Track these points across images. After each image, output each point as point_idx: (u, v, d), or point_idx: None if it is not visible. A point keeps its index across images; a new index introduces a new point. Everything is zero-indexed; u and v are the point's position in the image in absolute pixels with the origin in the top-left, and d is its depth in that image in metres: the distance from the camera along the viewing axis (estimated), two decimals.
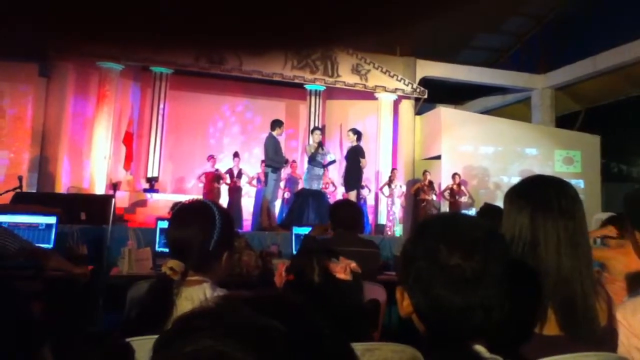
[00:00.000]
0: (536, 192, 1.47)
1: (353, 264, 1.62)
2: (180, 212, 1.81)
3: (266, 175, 8.54)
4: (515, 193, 1.50)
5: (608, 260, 3.00)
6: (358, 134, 9.17)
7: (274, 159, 8.36)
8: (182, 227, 1.74)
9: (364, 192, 11.50)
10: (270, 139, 8.42)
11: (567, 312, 1.33)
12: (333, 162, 9.74)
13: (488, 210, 3.53)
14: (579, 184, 13.05)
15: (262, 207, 8.77)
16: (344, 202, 4.48)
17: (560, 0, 13.79)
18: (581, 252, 1.39)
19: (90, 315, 4.52)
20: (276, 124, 8.52)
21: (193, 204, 1.86)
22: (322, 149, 8.85)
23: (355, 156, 9.02)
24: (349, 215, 3.62)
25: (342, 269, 1.58)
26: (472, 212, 10.76)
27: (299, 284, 1.56)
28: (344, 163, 10.65)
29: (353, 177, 9.15)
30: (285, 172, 10.06)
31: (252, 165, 12.38)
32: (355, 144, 9.09)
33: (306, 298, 1.50)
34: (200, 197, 9.29)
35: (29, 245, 3.26)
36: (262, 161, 10.59)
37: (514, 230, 1.43)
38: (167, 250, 1.81)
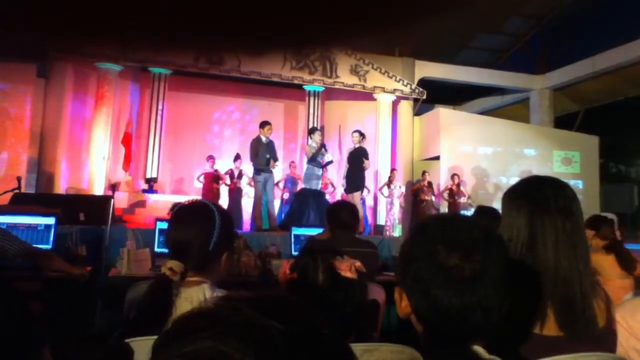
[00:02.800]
0: (534, 192, 1.47)
1: (358, 263, 1.62)
2: (180, 212, 1.81)
3: (254, 177, 8.64)
4: (513, 193, 1.51)
5: (596, 263, 3.02)
6: (362, 135, 9.19)
7: (255, 160, 8.43)
8: (182, 228, 1.74)
9: (363, 192, 11.50)
10: (253, 141, 8.50)
11: (566, 311, 1.33)
12: (330, 162, 9.75)
13: (483, 212, 3.54)
14: (577, 184, 13.06)
15: (254, 208, 8.79)
16: (341, 203, 4.49)
17: (559, 0, 13.79)
18: (579, 252, 1.39)
19: (89, 316, 4.52)
20: (261, 125, 8.60)
21: (193, 204, 1.86)
22: (325, 149, 8.87)
23: (358, 158, 9.02)
24: (346, 216, 3.63)
25: (348, 267, 1.58)
26: (471, 212, 10.78)
27: (303, 283, 1.56)
28: (343, 163, 10.66)
29: (356, 178, 9.15)
30: (284, 172, 10.05)
31: (251, 166, 12.37)
32: (359, 145, 9.10)
33: (311, 297, 1.50)
34: (200, 197, 9.30)
35: (27, 247, 3.26)
36: None
37: (512, 230, 1.43)
38: (166, 250, 1.81)
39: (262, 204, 8.61)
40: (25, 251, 3.22)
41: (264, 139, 8.49)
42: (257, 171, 8.47)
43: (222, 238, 1.73)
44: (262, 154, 8.41)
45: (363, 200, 11.48)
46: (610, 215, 11.18)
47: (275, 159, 8.64)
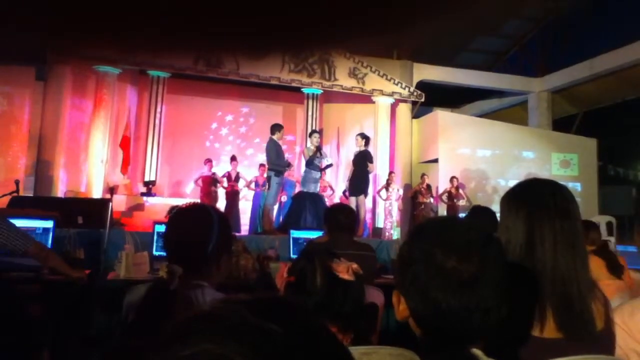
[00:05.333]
0: (532, 194, 1.48)
1: (355, 265, 1.63)
2: (178, 215, 1.81)
3: (269, 179, 8.53)
4: (512, 195, 1.51)
5: None
6: (366, 138, 9.18)
7: (277, 162, 8.36)
8: (180, 231, 1.74)
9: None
10: (271, 143, 8.42)
11: (565, 312, 1.33)
12: (330, 165, 9.73)
13: (477, 212, 3.55)
14: (575, 187, 13.07)
15: (264, 211, 8.76)
16: (339, 206, 4.50)
17: (558, 3, 13.82)
18: (577, 253, 1.39)
19: (88, 319, 4.52)
20: (276, 128, 8.52)
21: (191, 207, 1.86)
22: (320, 153, 8.85)
23: (363, 161, 9.01)
24: (344, 218, 3.63)
25: (345, 269, 1.58)
26: None
27: (301, 285, 1.56)
28: (341, 166, 10.64)
29: (361, 182, 9.13)
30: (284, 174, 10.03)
31: (250, 168, 12.38)
32: (363, 148, 9.09)
33: (309, 299, 1.50)
34: (198, 200, 9.30)
35: (32, 244, 3.23)
36: (261, 165, 10.58)
37: (510, 232, 1.44)
38: (164, 254, 1.80)
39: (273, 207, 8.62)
40: (30, 248, 3.21)
41: (279, 141, 8.50)
42: (277, 173, 8.43)
43: (220, 241, 1.73)
44: (283, 156, 8.43)
45: None
46: (607, 218, 11.20)
47: None
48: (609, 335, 1.41)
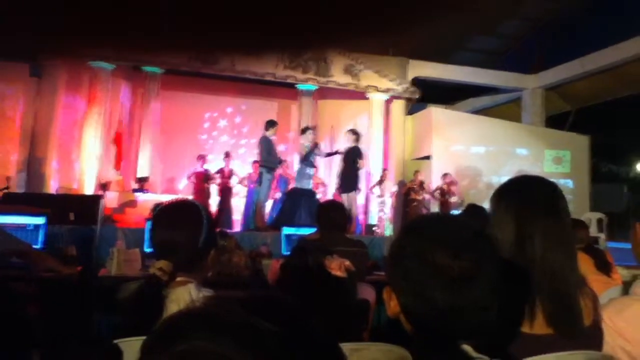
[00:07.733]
0: (522, 190, 1.49)
1: (347, 262, 1.63)
2: (165, 212, 1.79)
3: (261, 175, 8.51)
4: (502, 192, 1.52)
5: None
6: (357, 134, 9.14)
7: (268, 159, 8.34)
8: (169, 228, 1.72)
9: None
10: (264, 140, 8.40)
11: (554, 308, 1.34)
12: (337, 153, 9.72)
13: (473, 210, 3.56)
14: (568, 183, 13.11)
15: (257, 208, 8.75)
16: (331, 203, 4.51)
17: (553, 2, 13.84)
18: (566, 249, 1.40)
19: (81, 317, 4.50)
20: (270, 124, 8.50)
21: (178, 204, 1.84)
22: (318, 149, 8.84)
23: (353, 157, 8.98)
24: (336, 215, 3.64)
25: (337, 266, 1.58)
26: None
27: (293, 281, 1.56)
28: (334, 163, 10.61)
29: (350, 178, 9.10)
30: (276, 171, 10.04)
31: (243, 165, 12.35)
32: (353, 144, 9.07)
33: (301, 295, 1.51)
34: (183, 197, 9.28)
35: (20, 245, 3.23)
36: (255, 161, 10.56)
37: (500, 228, 1.44)
38: None
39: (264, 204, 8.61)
40: (16, 250, 3.20)
41: (272, 138, 8.47)
42: (269, 170, 8.41)
43: (209, 236, 1.72)
44: (274, 153, 8.41)
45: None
46: (598, 215, 11.27)
47: None
48: (597, 330, 1.42)
